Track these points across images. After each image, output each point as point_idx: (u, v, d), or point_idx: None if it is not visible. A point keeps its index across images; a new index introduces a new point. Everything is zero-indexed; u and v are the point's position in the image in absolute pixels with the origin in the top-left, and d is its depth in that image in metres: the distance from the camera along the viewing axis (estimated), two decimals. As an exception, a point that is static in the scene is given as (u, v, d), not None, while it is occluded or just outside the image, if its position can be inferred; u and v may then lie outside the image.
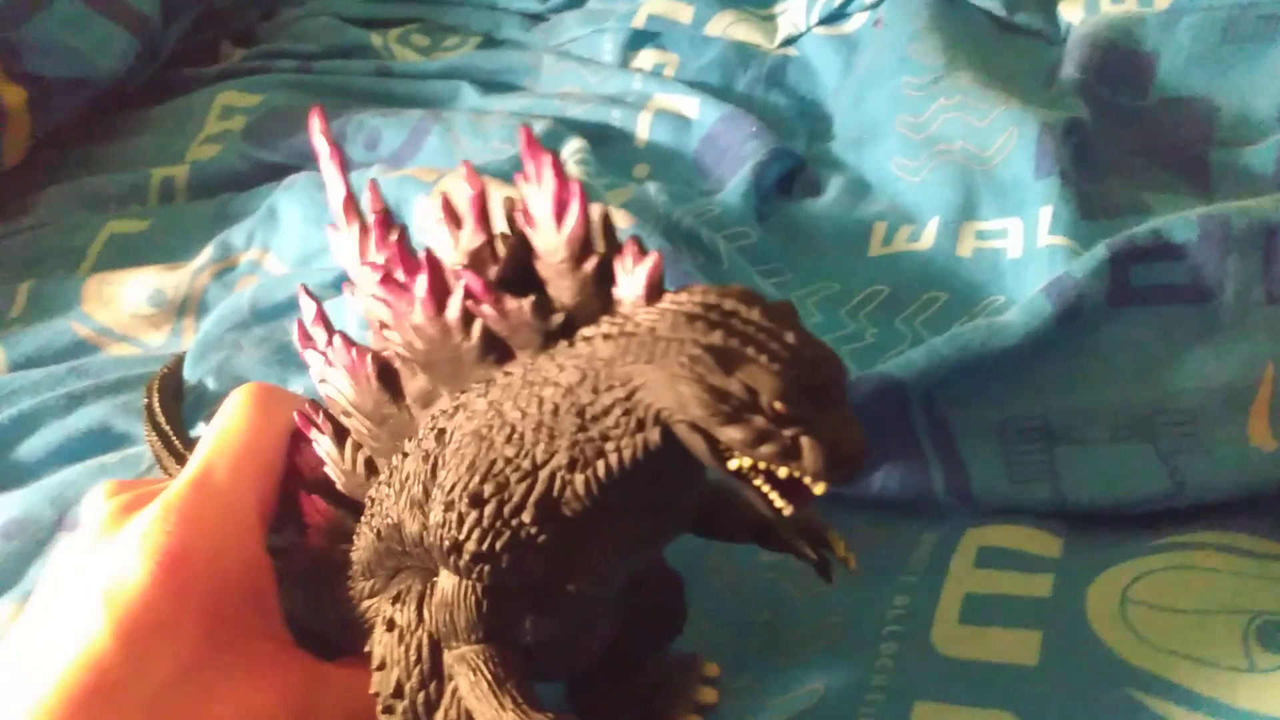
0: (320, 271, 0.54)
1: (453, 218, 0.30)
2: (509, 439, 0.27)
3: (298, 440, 0.34)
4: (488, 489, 0.27)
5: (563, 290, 0.28)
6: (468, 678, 0.28)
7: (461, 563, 0.27)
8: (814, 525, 0.32)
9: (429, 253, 0.28)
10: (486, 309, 0.28)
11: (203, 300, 0.56)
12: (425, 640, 0.29)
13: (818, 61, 0.63)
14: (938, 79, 0.55)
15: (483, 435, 0.27)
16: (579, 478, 0.26)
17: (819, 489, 0.24)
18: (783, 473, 0.24)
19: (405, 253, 0.29)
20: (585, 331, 0.27)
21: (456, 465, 0.27)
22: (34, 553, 0.43)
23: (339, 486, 0.32)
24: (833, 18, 0.65)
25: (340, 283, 0.52)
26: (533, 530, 0.26)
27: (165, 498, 0.31)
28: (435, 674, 0.29)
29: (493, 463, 0.27)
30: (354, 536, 0.32)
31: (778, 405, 0.23)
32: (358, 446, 0.31)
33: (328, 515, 0.33)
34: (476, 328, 0.28)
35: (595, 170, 0.56)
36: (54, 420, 0.49)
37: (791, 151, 0.57)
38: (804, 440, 0.23)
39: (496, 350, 0.28)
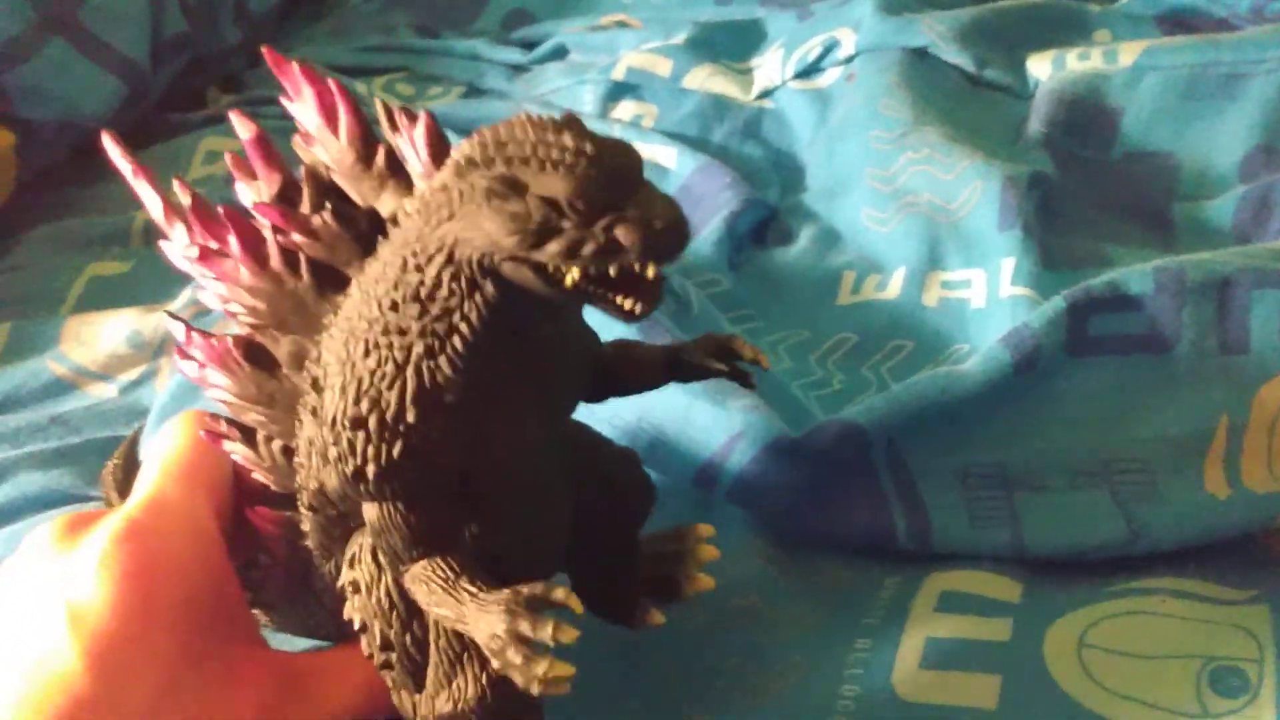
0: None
1: (245, 170, 0.30)
2: (365, 353, 0.26)
3: (238, 464, 0.33)
4: (364, 406, 0.26)
5: (366, 194, 0.28)
6: (422, 590, 0.27)
7: (370, 486, 0.27)
8: (718, 341, 0.31)
9: (226, 209, 0.28)
10: (298, 238, 0.27)
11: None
12: (391, 586, 0.29)
13: (792, 114, 0.65)
14: (906, 133, 0.56)
15: (343, 360, 0.27)
16: (442, 359, 0.25)
17: (650, 271, 0.23)
18: (613, 271, 0.23)
19: (206, 219, 0.28)
20: (394, 217, 0.27)
21: (331, 397, 0.27)
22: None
23: (273, 487, 0.32)
24: (807, 72, 0.66)
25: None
26: (422, 428, 0.26)
27: (120, 519, 0.30)
28: (412, 612, 0.29)
29: (359, 381, 0.26)
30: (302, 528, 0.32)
31: (578, 205, 0.23)
32: (268, 439, 0.31)
33: (277, 520, 0.32)
34: (303, 264, 0.28)
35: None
36: (31, 473, 0.49)
37: (764, 202, 0.58)
38: (617, 229, 0.23)
39: (331, 280, 0.28)
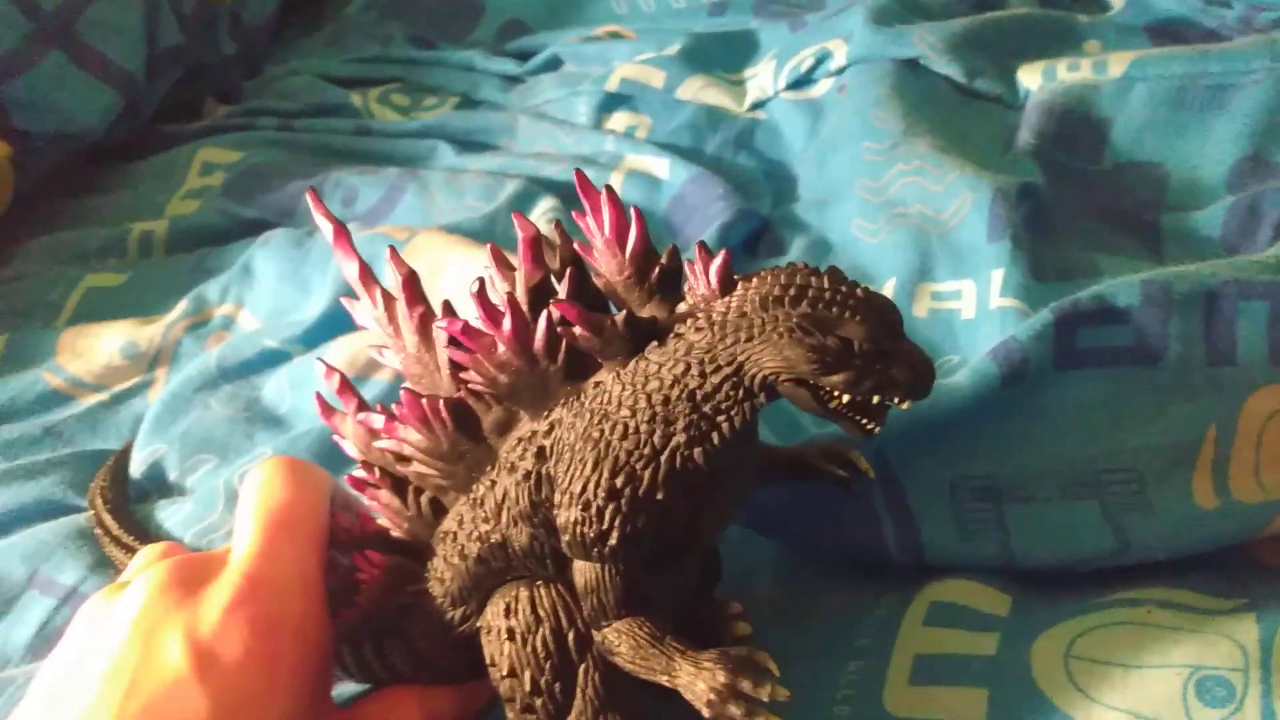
0: (289, 326, 0.55)
1: (502, 263, 0.34)
2: (624, 435, 0.31)
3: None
4: (619, 481, 0.31)
5: (631, 303, 0.33)
6: (629, 644, 0.31)
7: (608, 549, 0.31)
8: (836, 449, 0.37)
9: (510, 296, 0.33)
10: (580, 331, 0.32)
11: (175, 353, 0.57)
12: (549, 636, 0.33)
13: (784, 125, 0.65)
14: (897, 144, 0.57)
15: (596, 439, 0.31)
16: (698, 450, 0.31)
17: (906, 405, 0.30)
18: (875, 400, 0.30)
19: (484, 301, 0.33)
20: (677, 330, 0.32)
21: (580, 470, 0.31)
22: (3, 611, 0.43)
23: (399, 533, 0.35)
24: (799, 83, 0.67)
25: (310, 338, 0.54)
26: (667, 505, 0.31)
27: (243, 569, 0.32)
28: (565, 663, 0.33)
29: (616, 458, 0.31)
30: (423, 575, 0.35)
31: (867, 347, 0.29)
32: (419, 491, 0.35)
33: (385, 565, 0.35)
34: (562, 351, 0.32)
35: (568, 228, 0.57)
36: (26, 484, 0.49)
37: (756, 212, 0.58)
38: (894, 370, 0.29)
39: (579, 369, 0.33)
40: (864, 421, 0.30)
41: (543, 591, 0.33)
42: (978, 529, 0.39)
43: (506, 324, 0.32)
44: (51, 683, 0.31)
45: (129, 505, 0.48)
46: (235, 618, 0.31)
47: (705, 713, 0.30)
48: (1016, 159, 0.56)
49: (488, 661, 0.34)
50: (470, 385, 0.33)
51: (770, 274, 0.31)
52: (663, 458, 0.31)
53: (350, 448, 0.36)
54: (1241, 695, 0.33)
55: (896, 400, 0.30)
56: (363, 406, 0.35)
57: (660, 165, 0.63)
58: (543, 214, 0.59)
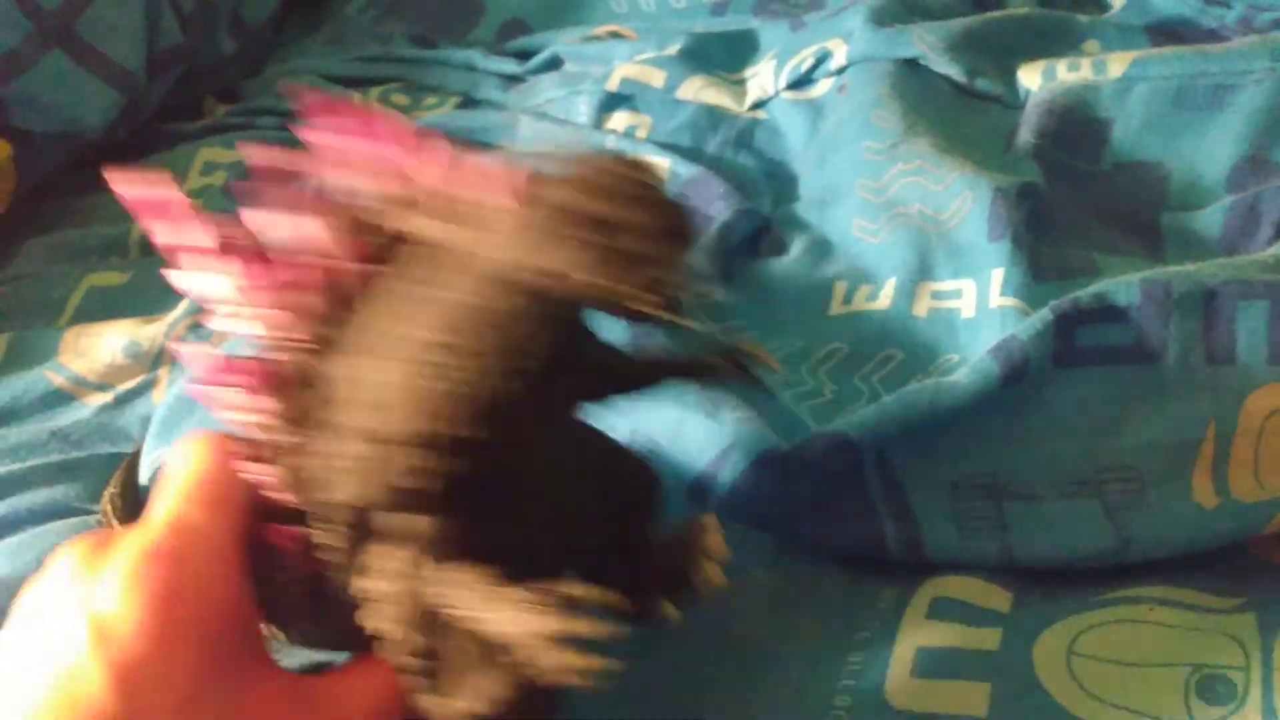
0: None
1: (275, 203, 0.31)
2: (416, 375, 0.27)
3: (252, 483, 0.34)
4: (424, 426, 0.27)
5: (401, 222, 0.29)
6: (460, 594, 0.29)
7: (429, 499, 0.28)
8: (723, 344, 0.34)
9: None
10: (355, 268, 0.29)
11: (178, 352, 0.57)
12: (416, 592, 0.30)
13: (785, 125, 0.65)
14: (896, 144, 0.57)
15: (388, 383, 0.28)
16: (501, 380, 0.27)
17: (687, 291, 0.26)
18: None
19: (255, 257, 0.30)
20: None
21: (391, 419, 0.28)
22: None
23: (299, 505, 0.32)
24: (800, 83, 0.67)
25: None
26: (485, 443, 0.27)
27: (145, 540, 0.31)
28: (437, 619, 0.30)
29: (414, 402, 0.27)
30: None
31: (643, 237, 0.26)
32: (297, 458, 0.32)
33: (296, 536, 0.33)
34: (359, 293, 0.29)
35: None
36: (34, 489, 0.49)
37: (757, 212, 0.58)
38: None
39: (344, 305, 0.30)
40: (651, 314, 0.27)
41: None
42: (978, 527, 0.39)
43: (282, 275, 0.30)
44: None
45: (140, 512, 0.48)
46: (133, 586, 0.30)
47: (526, 661, 0.27)
48: (1017, 159, 0.56)
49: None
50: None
51: (533, 171, 0.28)
52: (466, 394, 0.28)
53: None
54: (1243, 693, 0.33)
55: (688, 290, 0.27)
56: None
57: (661, 165, 0.63)
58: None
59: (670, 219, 0.27)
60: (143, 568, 0.30)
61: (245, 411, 0.32)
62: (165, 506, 0.33)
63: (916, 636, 0.37)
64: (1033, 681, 0.35)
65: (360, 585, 0.32)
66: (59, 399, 0.56)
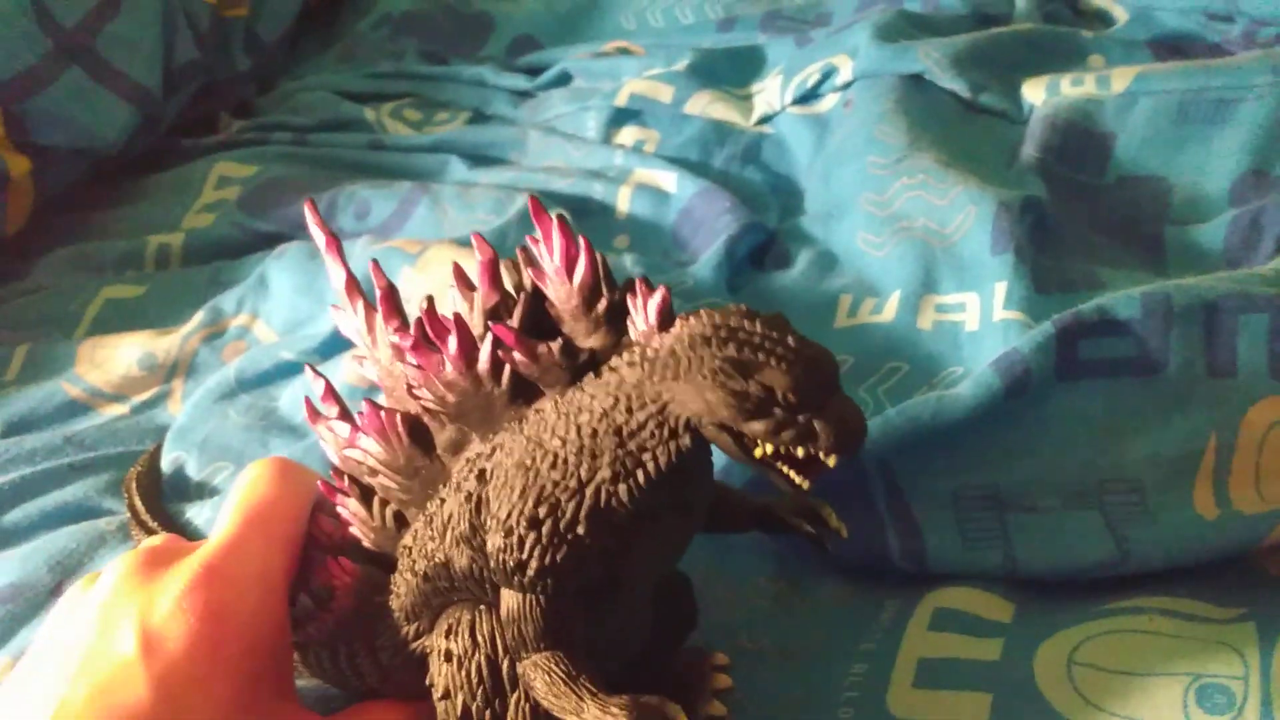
0: (305, 339, 0.55)
1: (465, 283, 0.34)
2: (553, 465, 0.31)
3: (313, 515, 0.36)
4: (542, 511, 0.30)
5: (577, 332, 0.33)
6: (544, 680, 0.31)
7: (526, 579, 0.31)
8: (807, 505, 0.36)
9: (456, 315, 0.33)
10: (518, 356, 0.32)
11: (192, 364, 0.58)
12: (483, 663, 0.32)
13: (791, 140, 0.66)
14: (901, 158, 0.57)
15: (527, 466, 0.31)
16: (622, 487, 0.30)
17: (831, 461, 0.28)
18: (800, 453, 0.29)
19: (432, 318, 0.33)
20: (611, 363, 0.31)
21: (508, 496, 0.31)
22: (29, 616, 0.44)
23: (367, 543, 0.35)
24: (806, 98, 0.68)
25: (326, 350, 0.54)
26: (587, 540, 0.30)
27: (204, 558, 0.33)
28: (497, 691, 0.32)
29: (542, 488, 0.31)
30: (389, 587, 0.35)
31: (791, 397, 0.28)
32: (385, 503, 0.34)
33: (355, 573, 0.35)
34: (506, 375, 0.32)
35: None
36: (48, 491, 0.50)
37: (763, 226, 0.59)
38: (817, 423, 0.28)
39: (524, 393, 0.32)
40: (791, 475, 0.29)
41: (483, 617, 0.33)
42: (981, 538, 0.39)
43: (452, 343, 0.32)
44: (21, 669, 0.32)
45: (162, 496, 0.49)
46: (184, 604, 0.31)
47: None
48: (1020, 173, 0.57)
49: (428, 681, 0.34)
50: (423, 403, 0.33)
51: (707, 313, 0.30)
52: (587, 491, 0.30)
53: (329, 453, 0.36)
54: (1242, 703, 0.33)
55: (822, 455, 0.28)
56: (344, 414, 0.35)
57: (668, 179, 0.63)
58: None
59: (829, 374, 0.29)
60: (196, 586, 0.32)
61: (349, 445, 0.34)
62: (224, 529, 0.34)
63: (919, 647, 0.37)
64: (1034, 691, 0.35)
65: (428, 640, 0.34)
66: (75, 410, 0.57)
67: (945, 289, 0.51)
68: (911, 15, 0.71)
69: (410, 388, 0.33)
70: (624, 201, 0.64)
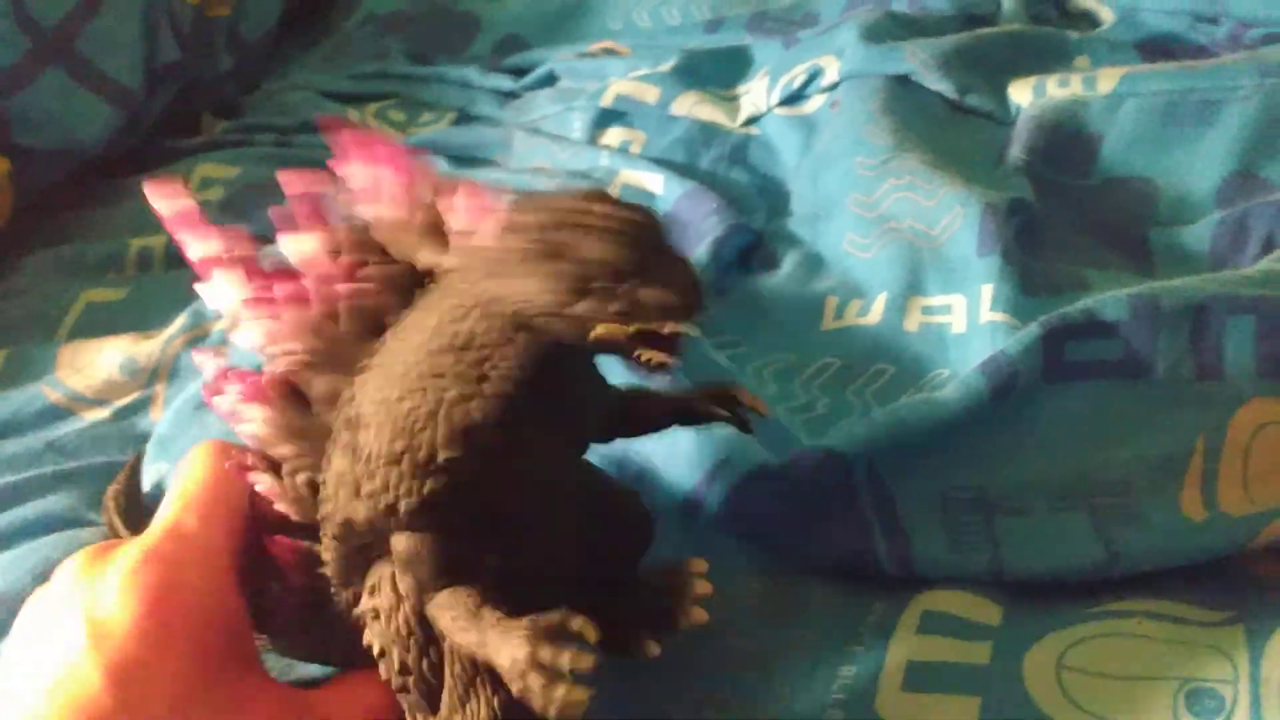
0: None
1: (288, 223, 0.32)
2: (401, 396, 0.28)
3: (254, 494, 0.35)
4: (398, 445, 0.28)
5: (404, 248, 0.31)
6: (446, 617, 0.29)
7: (403, 520, 0.29)
8: (722, 389, 0.34)
9: (272, 262, 0.31)
10: (343, 288, 0.30)
11: (174, 368, 0.57)
12: (409, 613, 0.31)
13: (778, 141, 0.66)
14: (888, 159, 0.57)
15: (379, 401, 0.29)
16: (475, 404, 0.28)
17: (669, 328, 0.26)
18: (632, 328, 0.26)
19: (253, 268, 0.31)
20: (434, 275, 0.29)
21: (372, 436, 0.29)
22: (10, 626, 0.43)
23: (295, 517, 0.33)
24: (793, 99, 0.67)
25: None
26: (454, 467, 0.28)
27: (143, 544, 0.33)
28: (429, 640, 0.31)
29: (395, 420, 0.28)
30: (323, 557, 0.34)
31: (608, 268, 0.26)
32: (294, 472, 0.33)
33: (296, 549, 0.34)
34: (343, 312, 0.31)
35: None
36: (30, 500, 0.50)
37: (749, 227, 0.58)
38: (641, 291, 0.26)
39: (369, 328, 0.30)
40: (644, 356, 0.26)
41: None
42: (969, 541, 0.39)
43: (277, 290, 0.31)
44: None
45: (142, 512, 0.48)
46: (127, 589, 0.31)
47: (512, 687, 0.27)
48: (1007, 174, 0.57)
49: (364, 642, 0.32)
50: (286, 358, 0.32)
51: (519, 200, 0.28)
52: (439, 416, 0.28)
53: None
54: (1231, 706, 0.33)
55: (655, 324, 0.26)
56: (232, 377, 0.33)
57: (654, 180, 0.63)
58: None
59: (651, 236, 0.27)
60: (138, 571, 0.31)
61: (242, 420, 0.33)
62: (165, 513, 0.34)
63: (907, 650, 0.37)
64: (1022, 695, 0.35)
65: (360, 603, 0.33)
66: (56, 415, 0.56)
67: (932, 291, 0.50)
68: (898, 16, 0.71)
69: (263, 346, 0.32)
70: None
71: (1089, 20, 0.74)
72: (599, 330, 0.26)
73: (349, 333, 0.31)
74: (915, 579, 0.39)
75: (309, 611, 0.35)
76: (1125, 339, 0.40)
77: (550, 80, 0.79)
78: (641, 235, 0.27)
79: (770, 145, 0.66)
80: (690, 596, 0.35)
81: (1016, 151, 0.58)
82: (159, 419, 0.54)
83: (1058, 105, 0.60)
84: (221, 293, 0.33)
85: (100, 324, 0.62)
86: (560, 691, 0.26)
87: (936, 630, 0.37)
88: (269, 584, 0.35)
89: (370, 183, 0.31)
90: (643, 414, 0.34)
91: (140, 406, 0.56)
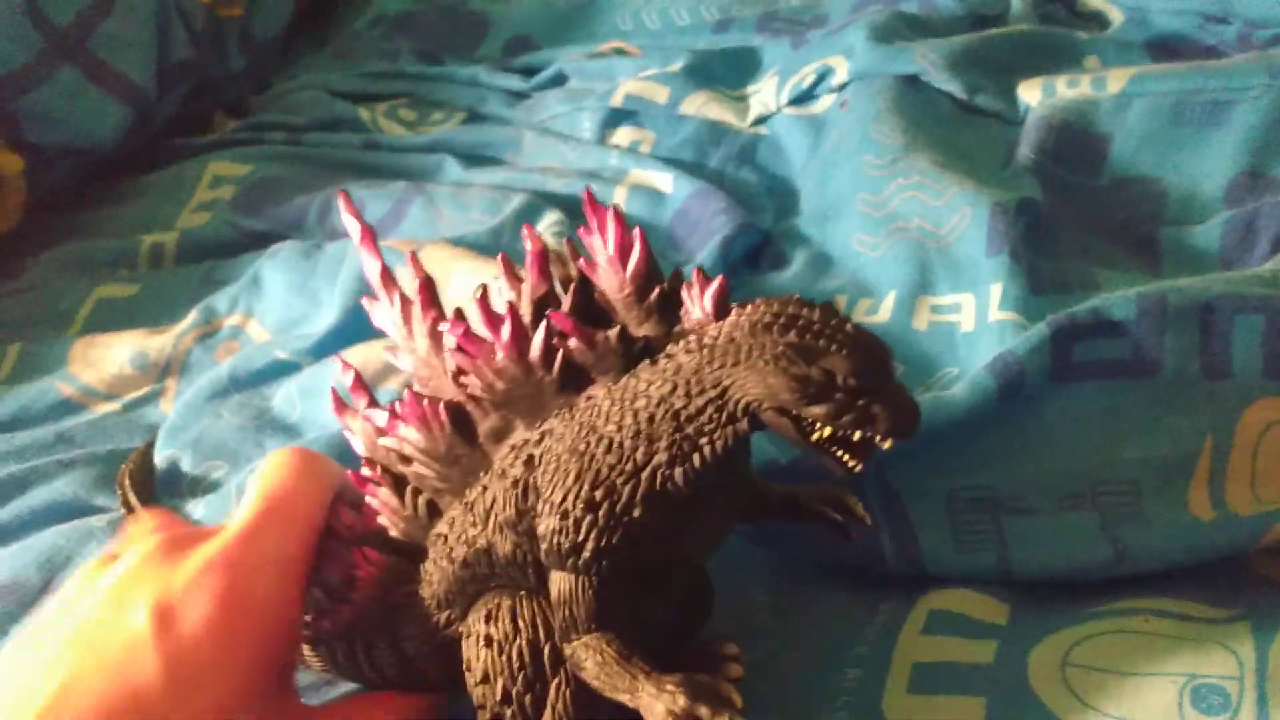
0: (299, 338, 0.55)
1: (512, 274, 0.35)
2: (608, 450, 0.31)
3: (337, 507, 0.36)
4: (598, 494, 0.31)
5: (629, 321, 0.34)
6: (595, 660, 0.31)
7: (582, 561, 0.31)
8: (832, 494, 0.37)
9: (510, 305, 0.33)
10: (574, 343, 0.33)
11: (185, 363, 0.58)
12: (524, 648, 0.33)
13: (786, 140, 0.66)
14: (897, 159, 0.57)
15: (581, 451, 0.32)
16: (678, 470, 0.31)
17: (888, 444, 0.30)
18: (856, 436, 0.30)
19: (485, 307, 0.34)
20: (668, 351, 0.32)
21: (562, 480, 0.32)
22: (20, 615, 0.44)
23: (396, 532, 0.35)
24: (801, 99, 0.68)
25: (319, 350, 0.54)
26: (642, 523, 0.31)
27: (223, 543, 0.33)
28: (539, 675, 0.33)
29: (598, 472, 0.31)
30: (416, 576, 0.35)
31: (851, 381, 0.29)
32: (417, 492, 0.35)
33: (381, 563, 0.35)
34: (558, 362, 0.33)
35: (578, 245, 0.58)
36: (37, 487, 0.50)
37: (758, 227, 0.59)
38: (875, 407, 0.29)
39: (573, 381, 0.33)
40: (845, 458, 0.30)
41: (525, 602, 0.33)
42: (976, 540, 0.39)
43: (505, 331, 0.33)
44: (24, 639, 0.32)
45: (155, 491, 0.49)
46: (202, 587, 0.31)
47: None
48: (1016, 174, 0.57)
49: (464, 666, 0.34)
50: (469, 391, 0.34)
51: (764, 302, 0.31)
52: (643, 475, 0.31)
53: (358, 444, 0.36)
54: (1237, 703, 0.33)
55: (878, 438, 0.30)
56: (373, 404, 0.36)
57: (664, 180, 0.63)
58: (548, 228, 0.60)
59: (886, 360, 0.31)
60: (214, 569, 0.32)
61: (403, 441, 0.34)
62: (244, 515, 0.34)
63: (913, 652, 0.37)
64: (1027, 693, 0.35)
65: (460, 627, 0.34)
66: (68, 408, 0.57)
67: (940, 290, 0.51)
68: (907, 16, 0.71)
69: (456, 375, 0.34)
70: (619, 202, 0.64)
71: (1098, 21, 0.74)
72: (821, 434, 0.30)
73: (551, 382, 0.33)
74: (922, 578, 0.39)
75: (363, 624, 0.36)
76: (1133, 338, 0.40)
77: (560, 80, 0.80)
78: (881, 358, 0.30)
79: (779, 145, 0.66)
80: (722, 679, 0.36)
81: (1025, 151, 0.58)
82: (169, 411, 0.54)
83: (1067, 105, 0.60)
84: (391, 317, 0.36)
85: (112, 319, 0.62)
86: None
87: (942, 630, 0.37)
88: (313, 591, 0.36)
89: (616, 253, 0.34)
90: (760, 499, 0.37)
91: (150, 400, 0.56)
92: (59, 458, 0.52)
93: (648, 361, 0.32)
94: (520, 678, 0.33)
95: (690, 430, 0.31)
